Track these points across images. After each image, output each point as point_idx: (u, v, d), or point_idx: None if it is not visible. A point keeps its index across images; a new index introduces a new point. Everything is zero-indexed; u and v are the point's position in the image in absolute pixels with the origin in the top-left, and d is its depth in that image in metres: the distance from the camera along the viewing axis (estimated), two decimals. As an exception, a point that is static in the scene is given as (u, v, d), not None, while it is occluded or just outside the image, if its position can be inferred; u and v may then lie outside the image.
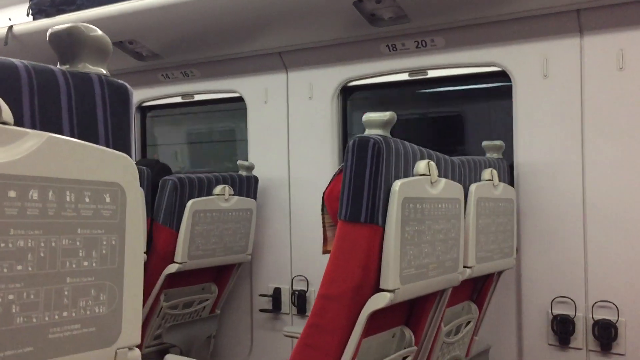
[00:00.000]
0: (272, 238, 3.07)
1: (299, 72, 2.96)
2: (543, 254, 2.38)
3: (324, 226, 1.94)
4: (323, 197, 1.89)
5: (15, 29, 3.12)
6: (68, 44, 0.89)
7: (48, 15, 3.10)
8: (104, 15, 2.84)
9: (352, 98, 2.98)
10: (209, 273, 2.93)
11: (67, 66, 0.90)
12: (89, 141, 0.82)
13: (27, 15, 3.22)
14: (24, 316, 0.73)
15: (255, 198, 2.96)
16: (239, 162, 2.98)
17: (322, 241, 1.96)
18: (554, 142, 2.36)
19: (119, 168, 0.84)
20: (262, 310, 3.06)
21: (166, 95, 3.43)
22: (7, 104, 0.73)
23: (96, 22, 2.81)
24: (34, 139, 0.74)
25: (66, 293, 0.78)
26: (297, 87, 2.97)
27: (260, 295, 3.07)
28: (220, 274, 2.98)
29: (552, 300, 2.34)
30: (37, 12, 3.15)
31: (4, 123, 0.72)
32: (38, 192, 0.74)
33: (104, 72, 0.93)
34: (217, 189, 2.74)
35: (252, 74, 3.10)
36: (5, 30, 3.13)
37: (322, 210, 1.92)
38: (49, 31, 0.89)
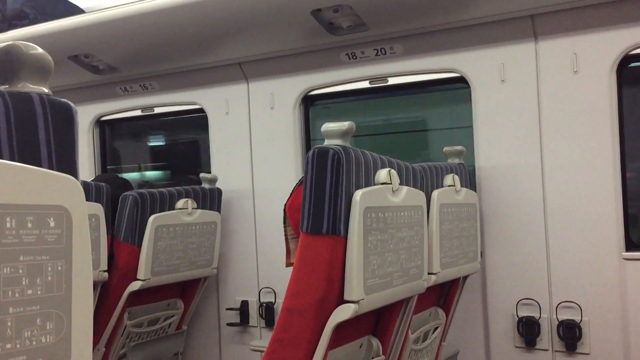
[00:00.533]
0: (237, 250, 3.03)
1: (259, 82, 2.94)
2: (507, 257, 2.40)
3: (286, 238, 1.92)
4: (284, 209, 1.87)
5: (-35, 44, 3.03)
6: (6, 63, 0.86)
7: (0, 30, 3.02)
8: (58, 29, 2.78)
9: (315, 105, 2.97)
10: (174, 289, 2.87)
11: (6, 86, 0.87)
12: (30, 163, 0.79)
13: (-22, 30, 3.13)
14: (-37, 350, 0.70)
15: (219, 210, 2.93)
16: (202, 174, 2.94)
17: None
18: (513, 146, 2.39)
19: (63, 190, 0.81)
20: (229, 324, 3.02)
21: (125, 108, 3.37)
22: (-61, 128, 0.69)
23: (50, 36, 2.76)
24: (-31, 164, 0.70)
25: (9, 324, 0.75)
26: (259, 97, 2.95)
27: (227, 309, 3.03)
28: (185, 289, 2.93)
29: (517, 303, 2.36)
30: (-12, 27, 3.06)
31: None
32: (-25, 220, 0.71)
33: (46, 90, 0.89)
34: (180, 203, 2.69)
35: (212, 85, 3.07)
36: (-46, 46, 3.03)
37: (284, 222, 1.90)
38: (-14, 50, 0.86)
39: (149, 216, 2.56)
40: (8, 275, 0.74)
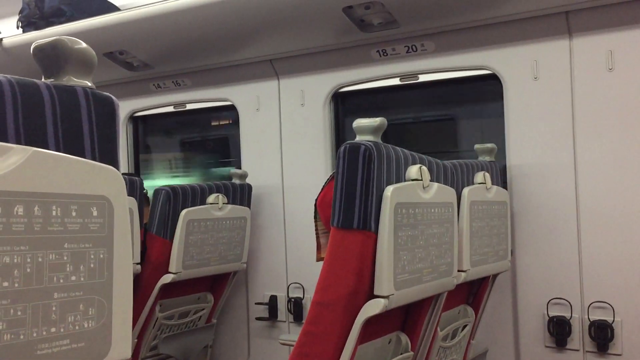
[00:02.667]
0: (267, 245, 3.06)
1: (290, 79, 2.96)
2: (538, 255, 2.38)
3: (317, 233, 1.94)
4: (315, 204, 1.89)
5: (4, 41, 3.12)
6: (52, 58, 0.89)
7: (37, 27, 3.10)
8: (94, 27, 2.84)
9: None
10: (204, 282, 2.91)
11: (52, 80, 0.90)
12: (75, 154, 0.82)
13: (17, 27, 3.22)
14: (11, 333, 0.73)
15: (249, 206, 2.96)
16: (232, 170, 2.98)
17: (315, 248, 1.96)
18: (546, 144, 2.36)
19: (105, 181, 0.84)
20: (258, 319, 3.05)
21: (158, 105, 3.43)
22: (-9, 119, 0.72)
23: (86, 33, 2.82)
24: (18, 154, 0.73)
25: (54, 309, 0.78)
26: (289, 94, 2.97)
27: (257, 303, 3.06)
28: (215, 283, 2.97)
29: (548, 302, 2.34)
30: (27, 24, 3.14)
31: (-12, 139, 0.71)
32: (23, 207, 0.74)
33: (89, 84, 0.92)
34: (211, 198, 2.73)
35: (243, 81, 3.10)
36: (-6, 43, 3.12)
37: (315, 217, 1.92)
38: (33, 45, 0.89)
39: (181, 210, 2.61)
40: (53, 261, 0.77)
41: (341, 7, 2.40)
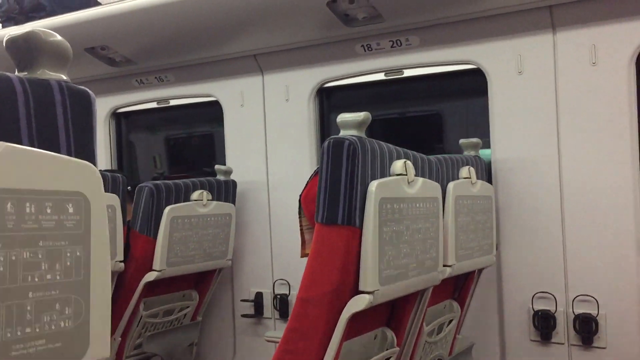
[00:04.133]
0: (252, 242, 3.04)
1: (274, 74, 2.94)
2: (523, 250, 2.38)
3: (301, 229, 1.92)
4: (300, 200, 1.87)
5: (-17, 37, 3.06)
6: (25, 50, 0.86)
7: (17, 22, 3.05)
8: (75, 22, 2.80)
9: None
10: (189, 280, 2.89)
11: (25, 73, 0.87)
12: (49, 150, 0.80)
13: (-4, 23, 3.17)
14: (-16, 333, 0.70)
15: (234, 202, 2.94)
16: (217, 166, 2.95)
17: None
18: (530, 138, 2.36)
19: (81, 176, 0.82)
20: (244, 316, 3.03)
21: (141, 101, 3.39)
22: (-40, 114, 0.70)
23: (66, 28, 2.78)
24: (-11, 149, 0.71)
25: (29, 308, 0.75)
26: (273, 90, 2.95)
27: (242, 300, 3.04)
28: (200, 280, 2.94)
29: (533, 296, 2.35)
30: (6, 19, 3.10)
31: (-43, 134, 0.69)
32: (-5, 204, 0.71)
33: (65, 78, 0.90)
34: (195, 195, 2.71)
35: (227, 77, 3.07)
36: (-27, 39, 3.06)
37: (300, 213, 1.90)
38: (5, 37, 0.86)
39: (165, 207, 2.58)
40: (28, 260, 0.75)
41: (325, 2, 2.38)
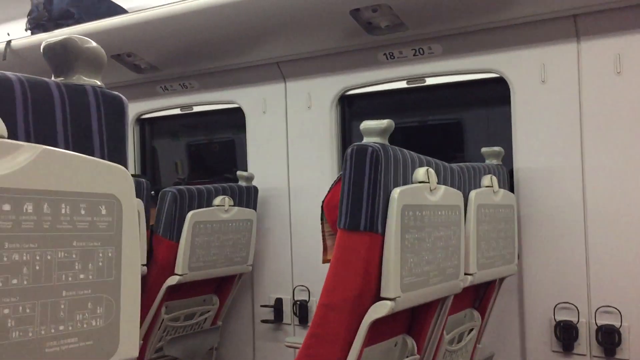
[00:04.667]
0: (272, 248, 3.06)
1: (297, 81, 2.96)
2: (545, 259, 2.37)
3: (323, 235, 1.93)
4: (322, 206, 1.89)
5: (13, 43, 3.13)
6: (62, 56, 0.89)
7: (46, 29, 3.12)
8: (102, 29, 2.85)
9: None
10: (210, 284, 2.91)
11: (62, 78, 0.90)
12: (84, 153, 0.82)
13: (25, 30, 3.23)
14: (20, 330, 0.73)
15: (255, 208, 2.96)
16: (239, 172, 2.98)
17: (322, 250, 1.95)
18: (553, 148, 2.35)
19: (114, 179, 0.84)
20: (263, 321, 3.05)
21: (165, 107, 3.44)
22: (1, 117, 0.73)
23: (94, 35, 2.82)
24: (28, 152, 0.74)
25: (62, 306, 0.78)
26: (296, 97, 2.97)
27: (262, 305, 3.06)
28: (221, 285, 2.97)
29: (555, 307, 2.33)
30: (35, 26, 3.16)
31: (-2, 136, 0.72)
32: (33, 205, 0.74)
33: (99, 83, 0.92)
34: (217, 200, 2.73)
35: (250, 84, 3.10)
36: (3, 45, 3.14)
37: (322, 219, 1.92)
38: (43, 44, 0.89)
39: (187, 212, 2.61)
40: (62, 259, 0.77)
41: (348, 10, 2.40)
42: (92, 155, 0.87)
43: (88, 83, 0.91)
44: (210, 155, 3.86)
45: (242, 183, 2.95)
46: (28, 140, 0.82)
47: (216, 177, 3.69)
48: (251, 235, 2.91)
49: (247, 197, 2.92)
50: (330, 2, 2.39)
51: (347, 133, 2.96)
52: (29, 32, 3.20)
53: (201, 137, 3.83)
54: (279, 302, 3.02)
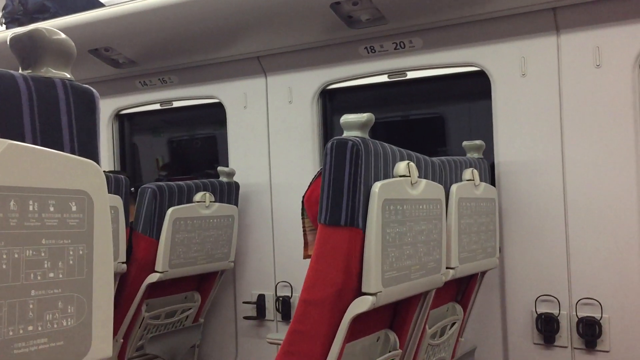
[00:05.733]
0: (254, 244, 3.04)
1: (277, 76, 2.94)
2: (526, 252, 2.38)
3: (304, 230, 1.92)
4: (303, 201, 1.87)
5: (-13, 38, 3.07)
6: (29, 48, 0.86)
7: (21, 23, 3.06)
8: (79, 23, 2.80)
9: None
10: (191, 281, 2.89)
11: (29, 71, 0.87)
12: (53, 148, 0.79)
13: (0, 24, 3.17)
14: (-14, 331, 0.70)
15: (236, 204, 2.93)
16: (219, 168, 2.95)
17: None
18: (534, 141, 2.36)
19: (85, 175, 0.81)
20: (246, 318, 3.02)
21: (144, 102, 3.39)
22: (-36, 111, 0.70)
23: (71, 29, 2.78)
24: (-7, 147, 0.71)
25: (31, 306, 0.75)
26: (277, 92, 2.95)
27: (244, 302, 3.04)
28: (202, 282, 2.94)
29: (536, 299, 2.34)
30: (10, 20, 3.10)
31: (-40, 131, 0.69)
32: (-2, 202, 0.71)
33: (68, 76, 0.90)
34: (198, 196, 2.70)
35: (230, 79, 3.07)
36: (-23, 40, 3.07)
37: (302, 214, 1.90)
38: (10, 35, 0.86)
39: (167, 209, 2.58)
40: (30, 258, 0.75)
41: (329, 4, 2.38)
42: (62, 150, 0.85)
43: (57, 76, 0.88)
44: (191, 151, 3.82)
45: (223, 179, 2.92)
46: None
47: (197, 173, 3.65)
48: (233, 232, 2.88)
49: (229, 192, 2.89)
50: (311, -5, 2.37)
51: (329, 128, 2.94)
52: (4, 26, 3.14)
53: (182, 133, 3.79)
54: (261, 298, 3.00)
